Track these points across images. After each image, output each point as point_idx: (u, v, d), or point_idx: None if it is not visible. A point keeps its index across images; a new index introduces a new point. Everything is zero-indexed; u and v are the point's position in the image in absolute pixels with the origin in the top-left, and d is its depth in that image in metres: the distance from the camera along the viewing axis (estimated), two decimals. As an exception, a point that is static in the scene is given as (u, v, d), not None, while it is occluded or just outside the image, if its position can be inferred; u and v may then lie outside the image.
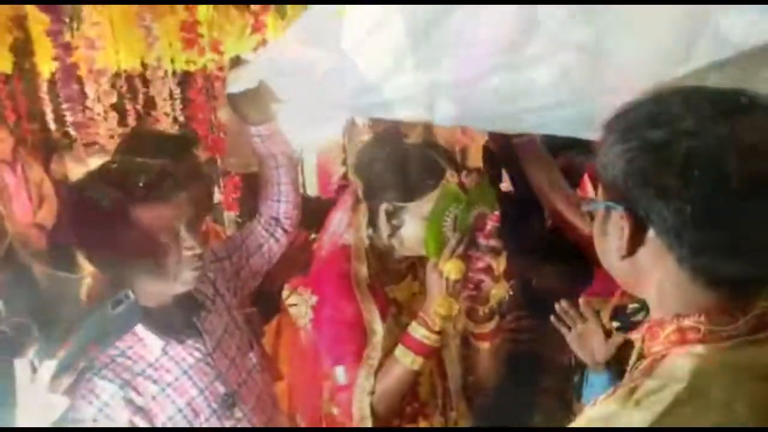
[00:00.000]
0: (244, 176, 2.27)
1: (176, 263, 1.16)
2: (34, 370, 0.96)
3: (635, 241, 0.68)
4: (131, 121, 3.45)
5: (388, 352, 1.29)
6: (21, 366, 0.96)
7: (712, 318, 0.66)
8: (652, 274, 0.70)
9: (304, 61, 1.16)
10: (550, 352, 1.62)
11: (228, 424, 1.24)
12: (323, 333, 1.32)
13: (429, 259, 1.28)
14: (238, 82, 1.32)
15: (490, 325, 1.35)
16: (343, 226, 1.40)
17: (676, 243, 0.65)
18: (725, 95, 0.66)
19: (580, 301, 1.44)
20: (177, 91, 3.07)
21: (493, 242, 1.24)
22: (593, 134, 1.30)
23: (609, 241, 0.73)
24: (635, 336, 0.78)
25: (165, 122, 2.62)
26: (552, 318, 1.42)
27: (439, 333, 1.25)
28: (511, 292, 1.30)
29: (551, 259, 2.04)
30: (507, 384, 1.66)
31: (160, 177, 1.16)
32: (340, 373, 1.29)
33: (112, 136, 2.92)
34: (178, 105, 3.22)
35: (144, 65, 3.32)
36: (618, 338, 1.32)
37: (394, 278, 1.40)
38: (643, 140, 0.66)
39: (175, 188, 1.17)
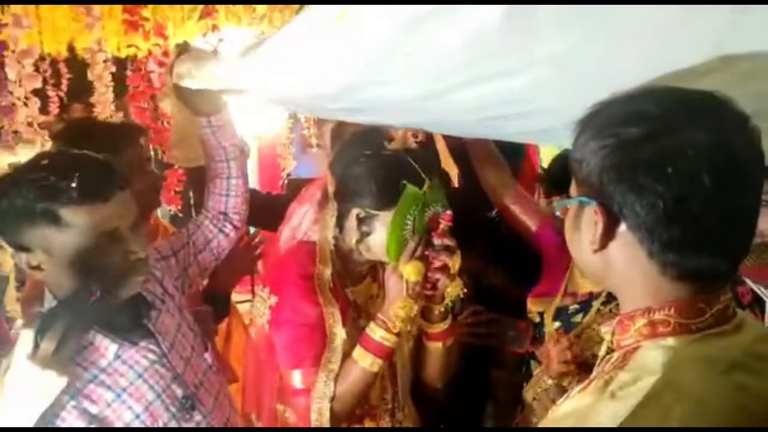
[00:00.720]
0: (188, 170, 2.19)
1: (118, 269, 1.09)
2: None
3: (608, 235, 0.71)
4: (53, 108, 3.25)
5: (345, 355, 1.29)
6: None
7: (681, 311, 0.70)
8: (622, 268, 0.72)
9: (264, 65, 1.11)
10: (503, 345, 1.66)
11: (188, 426, 1.19)
12: (281, 335, 1.30)
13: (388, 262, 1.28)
14: (185, 78, 1.26)
15: (444, 325, 1.37)
16: (308, 222, 1.38)
17: (648, 238, 0.68)
18: (697, 96, 0.69)
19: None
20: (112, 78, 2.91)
21: (446, 241, 1.25)
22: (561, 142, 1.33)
23: (581, 236, 0.75)
24: (605, 330, 0.80)
25: (105, 110, 2.45)
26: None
27: (397, 334, 1.25)
28: (465, 290, 1.32)
29: (499, 257, 2.09)
30: (460, 378, 1.69)
31: (99, 173, 1.07)
32: (296, 377, 1.27)
33: (30, 124, 2.72)
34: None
35: (71, 49, 3.12)
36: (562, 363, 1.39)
37: (354, 280, 1.39)
38: (618, 137, 0.68)
39: (115, 185, 1.08)
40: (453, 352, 1.44)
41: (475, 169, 1.78)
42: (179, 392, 1.20)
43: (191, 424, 1.20)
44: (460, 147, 1.78)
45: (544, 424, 0.73)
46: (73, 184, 1.01)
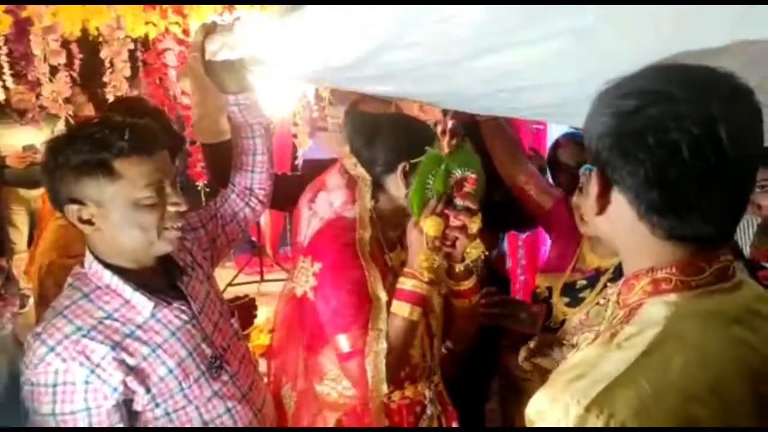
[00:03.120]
0: (212, 146, 2.23)
1: (160, 219, 1.17)
2: None
3: (604, 199, 0.77)
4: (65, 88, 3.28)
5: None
6: None
7: (682, 269, 0.75)
8: (622, 229, 0.78)
9: (292, 34, 1.15)
10: (515, 327, 1.70)
11: (216, 386, 1.26)
12: (328, 299, 1.34)
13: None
14: (221, 50, 1.31)
15: (468, 283, 1.43)
16: (337, 205, 1.43)
17: (635, 201, 0.74)
18: (696, 71, 0.74)
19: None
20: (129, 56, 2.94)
21: (468, 203, 1.32)
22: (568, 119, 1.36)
23: (588, 200, 0.81)
24: (611, 291, 0.86)
25: (121, 87, 2.49)
26: (522, 357, 1.52)
27: (427, 283, 1.31)
28: (486, 253, 1.38)
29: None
30: (471, 357, 1.74)
31: (144, 130, 1.16)
32: (343, 341, 1.32)
33: (55, 99, 2.76)
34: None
35: (84, 30, 3.15)
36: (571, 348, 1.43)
37: (390, 246, 1.45)
38: (616, 109, 0.74)
39: (158, 142, 1.18)
40: (477, 311, 1.51)
41: (488, 147, 1.81)
42: (208, 352, 1.27)
43: (218, 384, 1.26)
44: (472, 125, 1.81)
45: (553, 376, 0.77)
46: (125, 137, 1.11)
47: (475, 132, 1.81)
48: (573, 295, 1.64)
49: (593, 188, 0.78)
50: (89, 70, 3.40)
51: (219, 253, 1.52)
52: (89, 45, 3.27)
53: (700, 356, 0.70)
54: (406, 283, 1.32)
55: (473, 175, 1.34)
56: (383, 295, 1.34)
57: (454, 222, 1.32)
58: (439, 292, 1.45)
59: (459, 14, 0.89)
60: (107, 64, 2.96)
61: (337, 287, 1.33)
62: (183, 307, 1.26)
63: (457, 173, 1.34)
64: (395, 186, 1.38)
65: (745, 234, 1.85)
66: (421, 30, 0.96)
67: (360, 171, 1.40)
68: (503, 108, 1.45)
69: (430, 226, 1.30)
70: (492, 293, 1.72)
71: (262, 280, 4.74)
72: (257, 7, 2.44)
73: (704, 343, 0.71)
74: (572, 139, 2.28)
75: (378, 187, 1.40)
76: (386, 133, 1.39)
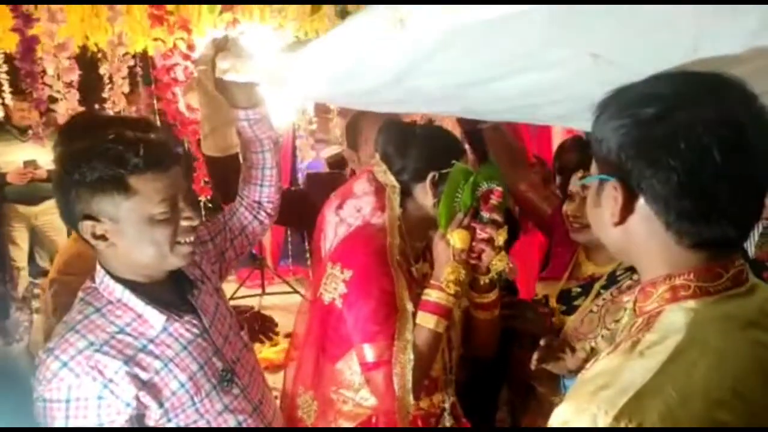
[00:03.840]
0: (218, 159, 2.23)
1: (173, 234, 1.17)
2: None
3: (627, 209, 0.77)
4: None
5: None
6: None
7: (700, 276, 0.75)
8: (642, 239, 0.78)
9: (310, 62, 1.14)
10: (524, 326, 1.70)
11: (227, 400, 1.25)
12: (358, 307, 1.34)
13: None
14: (237, 74, 1.31)
15: (491, 296, 1.43)
16: (366, 212, 1.43)
17: (664, 210, 0.74)
18: (707, 77, 0.75)
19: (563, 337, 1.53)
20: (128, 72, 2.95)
21: (494, 215, 1.33)
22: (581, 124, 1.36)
23: (602, 211, 0.81)
24: (626, 299, 0.86)
25: (119, 103, 2.49)
26: (535, 359, 1.49)
27: (452, 295, 1.32)
28: (510, 265, 1.39)
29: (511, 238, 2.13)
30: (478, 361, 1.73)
31: (159, 145, 1.16)
32: (368, 351, 1.32)
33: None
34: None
35: (83, 46, 3.16)
36: (582, 353, 1.43)
37: (415, 257, 1.46)
38: (636, 116, 0.74)
39: (173, 158, 1.19)
40: (498, 323, 1.51)
41: (490, 154, 1.83)
42: (219, 365, 1.26)
43: (229, 397, 1.26)
44: (476, 133, 1.82)
45: (576, 386, 0.77)
46: (140, 153, 1.11)
47: (478, 139, 1.83)
48: (568, 302, 1.65)
49: (612, 199, 0.77)
50: (88, 87, 3.41)
51: (227, 267, 1.52)
52: (87, 61, 3.29)
53: (722, 361, 0.70)
54: (431, 295, 1.33)
55: (499, 188, 1.35)
56: (410, 306, 1.34)
57: (480, 235, 1.33)
58: (459, 305, 1.45)
59: (485, 42, 0.88)
60: (106, 80, 2.97)
61: (367, 295, 1.34)
62: (194, 321, 1.26)
63: (484, 186, 1.35)
64: (423, 194, 1.40)
65: (750, 235, 1.86)
66: (446, 58, 0.95)
67: (389, 178, 1.41)
68: (518, 118, 1.47)
69: (457, 239, 1.30)
70: (502, 295, 1.72)
71: (264, 293, 4.73)
72: (257, 17, 2.46)
73: (725, 348, 0.72)
74: (578, 142, 2.32)
75: (406, 195, 1.42)
76: (419, 142, 1.42)
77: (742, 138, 0.70)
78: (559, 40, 0.86)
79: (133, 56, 3.05)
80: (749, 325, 0.74)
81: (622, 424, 0.65)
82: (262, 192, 1.51)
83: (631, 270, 1.53)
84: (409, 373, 1.29)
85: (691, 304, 0.75)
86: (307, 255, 4.65)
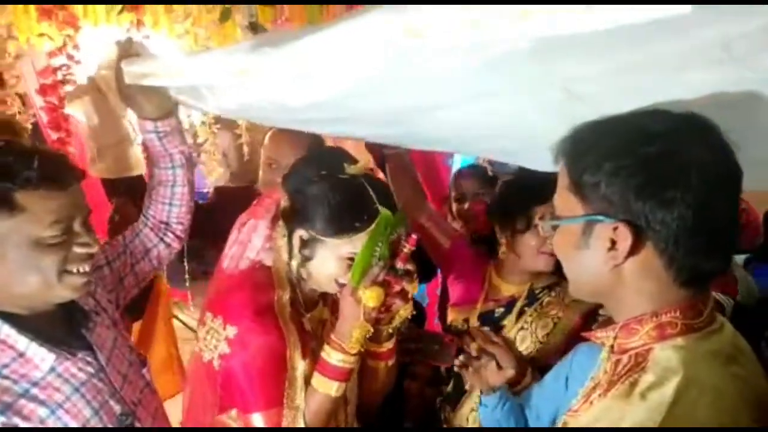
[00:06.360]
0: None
1: (62, 261, 1.02)
2: None
3: (633, 250, 0.74)
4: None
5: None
6: None
7: (685, 313, 0.76)
8: (635, 279, 0.77)
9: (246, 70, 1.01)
10: (429, 360, 1.66)
11: (128, 448, 1.08)
12: (244, 373, 1.18)
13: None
14: (157, 79, 1.16)
15: (389, 344, 1.34)
16: (260, 239, 1.29)
17: (673, 247, 0.73)
18: (687, 117, 0.76)
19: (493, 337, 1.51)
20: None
21: (409, 266, 1.21)
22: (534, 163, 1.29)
23: (590, 254, 0.78)
24: (602, 335, 0.83)
25: (14, 105, 2.13)
26: (458, 362, 1.45)
27: (355, 355, 1.20)
28: (414, 312, 1.29)
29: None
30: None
31: (58, 161, 1.02)
32: (257, 420, 1.18)
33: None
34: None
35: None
36: (510, 371, 1.41)
37: (308, 306, 1.31)
38: (638, 156, 0.72)
39: (73, 176, 1.04)
40: (394, 371, 1.42)
41: (392, 185, 1.77)
42: (117, 409, 1.11)
43: (129, 444, 1.09)
44: (380, 159, 1.78)
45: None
46: (34, 165, 0.96)
47: (384, 166, 1.78)
48: (493, 323, 1.65)
49: (608, 241, 0.74)
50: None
51: (126, 295, 1.35)
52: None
53: (717, 398, 0.71)
54: (332, 356, 1.20)
55: (414, 236, 1.22)
56: (301, 366, 1.21)
57: (395, 288, 1.19)
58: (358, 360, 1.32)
59: (444, 65, 0.82)
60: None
61: (252, 358, 1.18)
62: (88, 359, 1.09)
63: (395, 234, 1.21)
64: (294, 250, 1.23)
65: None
66: (399, 81, 0.89)
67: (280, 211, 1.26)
68: (464, 149, 1.41)
69: (370, 297, 1.15)
70: (406, 328, 1.68)
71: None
72: (163, 21, 2.25)
73: (717, 383, 0.72)
74: (475, 169, 2.46)
75: (290, 237, 1.24)
76: (318, 184, 1.20)
77: (730, 177, 0.73)
78: (535, 70, 0.82)
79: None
80: (729, 360, 0.76)
81: None
82: (171, 212, 1.37)
83: (549, 288, 1.59)
84: None
85: (679, 341, 0.75)
86: (186, 276, 4.38)
